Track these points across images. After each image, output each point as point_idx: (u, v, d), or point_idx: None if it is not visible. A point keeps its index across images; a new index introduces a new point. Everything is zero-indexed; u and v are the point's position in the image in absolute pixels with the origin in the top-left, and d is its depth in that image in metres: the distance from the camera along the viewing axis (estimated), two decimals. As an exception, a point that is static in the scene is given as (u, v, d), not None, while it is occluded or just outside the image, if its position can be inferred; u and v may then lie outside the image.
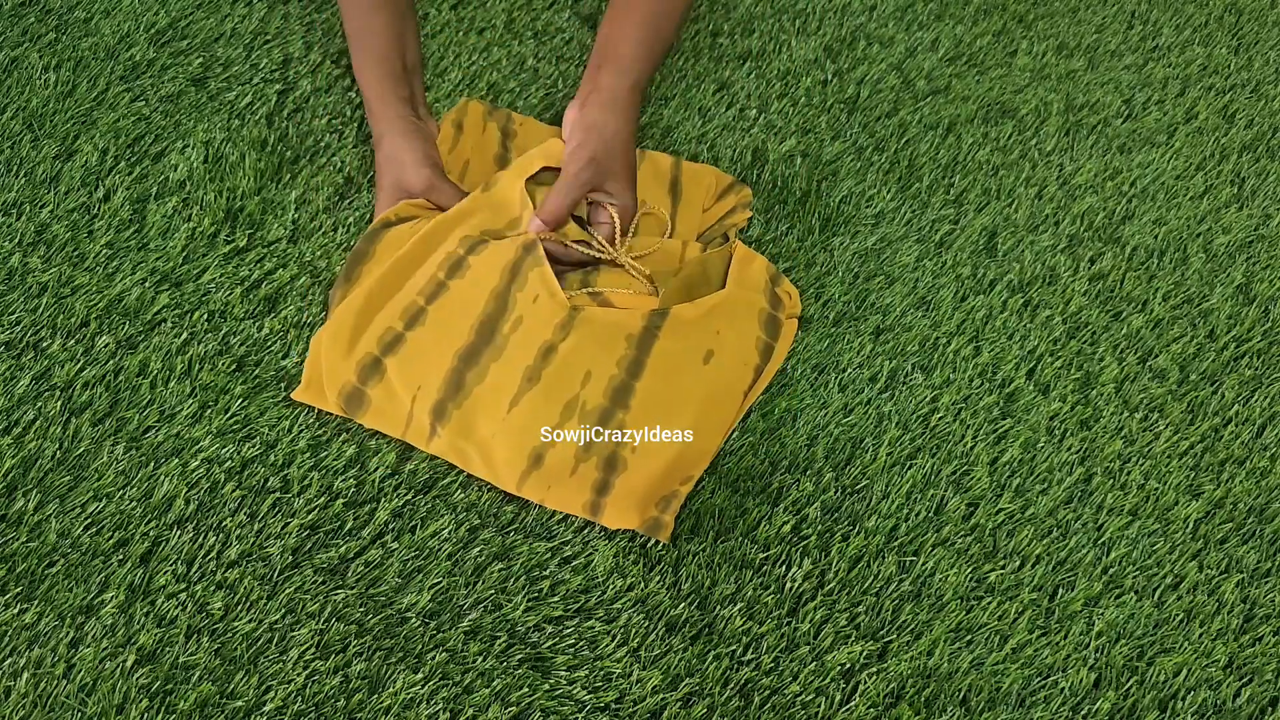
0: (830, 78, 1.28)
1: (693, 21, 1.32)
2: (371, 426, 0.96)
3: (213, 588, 0.86)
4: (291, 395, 0.97)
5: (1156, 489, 0.97)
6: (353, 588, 0.87)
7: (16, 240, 1.06)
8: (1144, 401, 1.02)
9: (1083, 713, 0.85)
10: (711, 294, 1.03)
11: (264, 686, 0.82)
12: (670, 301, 1.02)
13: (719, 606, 0.88)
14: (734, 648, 0.86)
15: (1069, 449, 0.99)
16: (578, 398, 0.95)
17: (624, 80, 1.07)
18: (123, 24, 1.25)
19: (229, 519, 0.90)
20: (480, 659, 0.84)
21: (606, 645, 0.86)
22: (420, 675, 0.83)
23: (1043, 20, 1.37)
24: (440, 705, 0.82)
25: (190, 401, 0.96)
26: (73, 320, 1.00)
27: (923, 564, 0.91)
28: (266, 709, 0.81)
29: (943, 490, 0.96)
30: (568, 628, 0.86)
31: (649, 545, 0.91)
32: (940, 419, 1.00)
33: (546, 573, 0.89)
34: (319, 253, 1.07)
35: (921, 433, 0.99)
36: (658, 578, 0.89)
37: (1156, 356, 1.05)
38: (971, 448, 0.98)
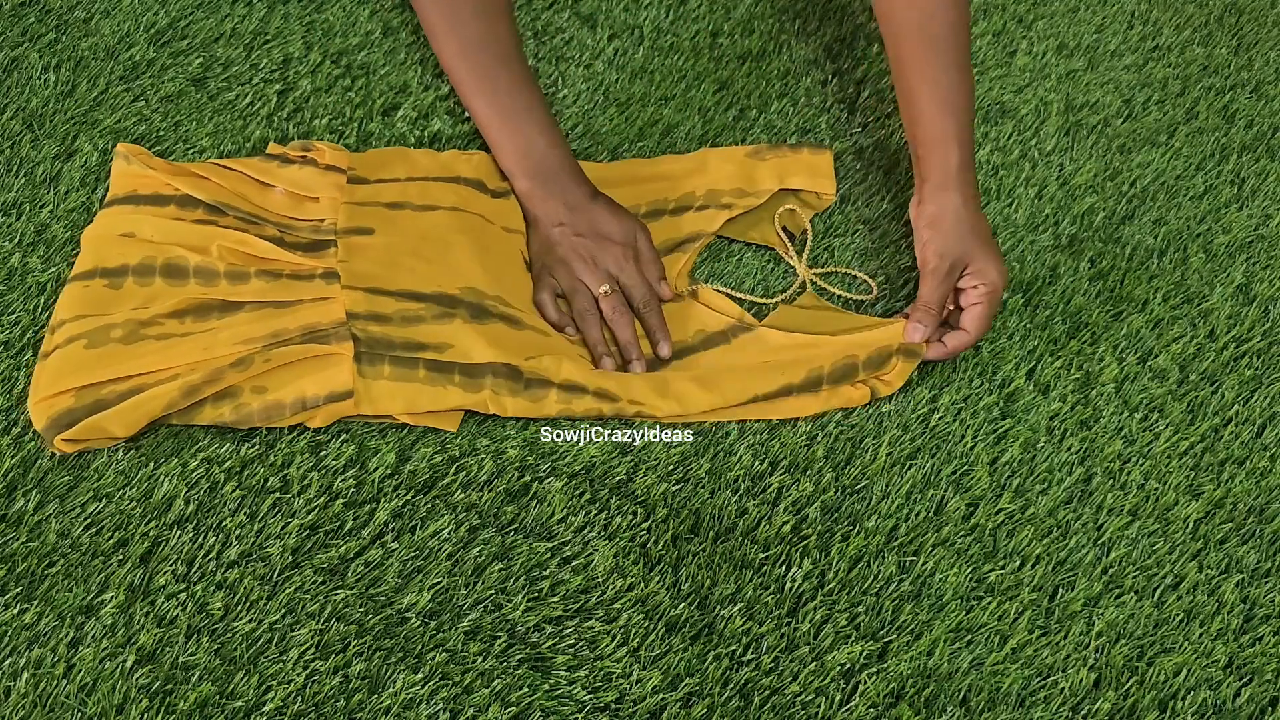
0: (830, 78, 1.28)
1: (692, 21, 1.32)
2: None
3: (213, 588, 0.86)
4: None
5: (1156, 489, 0.97)
6: (353, 588, 0.87)
7: (16, 240, 1.06)
8: (1144, 401, 1.02)
9: (1083, 713, 0.85)
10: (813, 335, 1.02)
11: (264, 686, 0.82)
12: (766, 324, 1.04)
13: (719, 606, 0.88)
14: (734, 648, 0.86)
15: (1069, 449, 0.99)
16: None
17: (947, 164, 1.04)
18: (123, 24, 1.25)
19: (229, 519, 0.90)
20: (480, 659, 0.84)
21: (606, 645, 0.86)
22: (420, 675, 0.83)
23: (1042, 20, 1.37)
24: (440, 705, 0.82)
25: (190, 401, 0.96)
26: (73, 320, 1.00)
27: (923, 564, 0.91)
28: (266, 709, 0.81)
29: (943, 490, 0.96)
30: (568, 628, 0.86)
31: (649, 545, 0.91)
32: (940, 419, 1.00)
33: (546, 573, 0.89)
34: (319, 253, 1.07)
35: (921, 433, 0.99)
36: (658, 578, 0.89)
37: (1156, 356, 1.05)
38: (971, 448, 0.98)
